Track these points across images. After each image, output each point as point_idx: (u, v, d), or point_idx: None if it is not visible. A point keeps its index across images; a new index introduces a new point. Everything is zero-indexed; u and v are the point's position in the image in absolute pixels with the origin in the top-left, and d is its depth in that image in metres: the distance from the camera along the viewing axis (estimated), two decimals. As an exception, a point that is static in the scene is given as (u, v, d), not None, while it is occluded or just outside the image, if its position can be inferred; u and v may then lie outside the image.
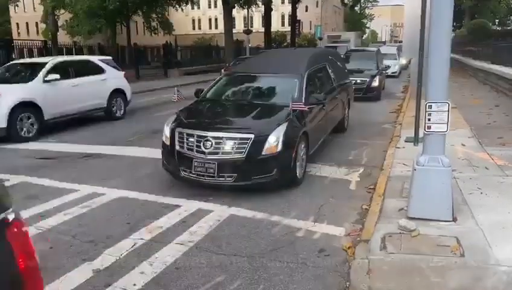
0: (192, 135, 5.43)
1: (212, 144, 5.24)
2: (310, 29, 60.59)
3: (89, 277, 3.59)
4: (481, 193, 5.15)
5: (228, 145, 5.24)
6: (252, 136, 5.23)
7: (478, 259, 3.63)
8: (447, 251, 3.79)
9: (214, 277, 3.56)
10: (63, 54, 22.97)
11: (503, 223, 4.29)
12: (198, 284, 3.45)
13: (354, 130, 9.74)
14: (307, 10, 64.83)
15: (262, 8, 36.53)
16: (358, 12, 79.51)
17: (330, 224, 4.66)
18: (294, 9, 39.60)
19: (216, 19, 63.49)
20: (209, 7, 68.07)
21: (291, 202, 5.28)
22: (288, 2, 43.45)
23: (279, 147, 5.30)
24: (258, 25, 54.73)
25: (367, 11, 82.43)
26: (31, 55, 21.92)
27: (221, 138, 5.28)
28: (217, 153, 5.22)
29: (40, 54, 20.23)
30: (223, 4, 29.06)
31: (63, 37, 36.40)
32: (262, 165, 5.23)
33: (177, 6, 36.93)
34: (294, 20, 40.20)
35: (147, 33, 43.44)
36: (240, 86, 7.37)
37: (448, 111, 4.27)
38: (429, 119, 4.32)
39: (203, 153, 5.27)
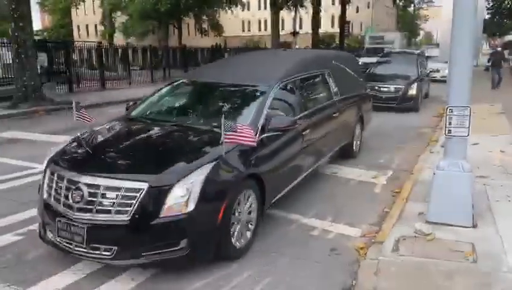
0: (62, 178, 3.64)
1: (83, 194, 3.41)
2: (361, 30, 59.57)
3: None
4: (509, 200, 5.00)
5: (107, 199, 3.38)
6: (145, 185, 3.35)
7: (490, 265, 3.58)
8: (459, 256, 3.76)
9: (224, 267, 3.75)
10: (118, 55, 24.20)
11: (526, 232, 4.17)
12: (208, 273, 3.65)
13: (391, 134, 9.63)
14: (357, 11, 63.80)
15: (310, 9, 36.50)
16: (412, 13, 77.20)
17: (347, 225, 4.71)
18: (343, 10, 39.18)
19: (265, 21, 63.86)
20: (259, 9, 68.81)
21: (312, 202, 5.37)
22: (339, 3, 42.95)
23: (192, 205, 3.37)
24: (307, 26, 54.68)
25: (421, 12, 79.88)
26: (89, 56, 23.28)
27: (97, 186, 3.42)
28: (89, 211, 3.39)
29: (98, 55, 21.39)
30: (270, 6, 29.33)
31: (119, 39, 38.25)
32: (160, 234, 3.38)
33: (226, 8, 37.73)
34: (343, 21, 39.75)
35: (197, 35, 44.72)
36: (182, 100, 5.52)
37: (469, 116, 4.20)
38: (450, 123, 4.28)
39: (71, 208, 3.46)
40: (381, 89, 12.97)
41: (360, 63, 26.44)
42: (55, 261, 3.80)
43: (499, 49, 21.52)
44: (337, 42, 45.60)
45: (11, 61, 14.25)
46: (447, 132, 4.31)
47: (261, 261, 3.89)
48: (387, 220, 4.70)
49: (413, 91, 13.04)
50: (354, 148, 7.45)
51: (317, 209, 5.15)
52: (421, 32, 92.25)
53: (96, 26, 56.08)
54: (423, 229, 4.20)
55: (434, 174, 4.47)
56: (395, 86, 13.01)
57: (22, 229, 4.52)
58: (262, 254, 4.02)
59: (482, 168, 6.16)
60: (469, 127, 4.22)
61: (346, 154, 7.20)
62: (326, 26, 59.63)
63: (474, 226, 4.30)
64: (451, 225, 4.30)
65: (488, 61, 19.06)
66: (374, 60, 18.55)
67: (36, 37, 32.08)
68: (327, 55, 7.64)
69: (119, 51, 24.07)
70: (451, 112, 4.24)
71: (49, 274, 3.63)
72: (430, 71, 16.74)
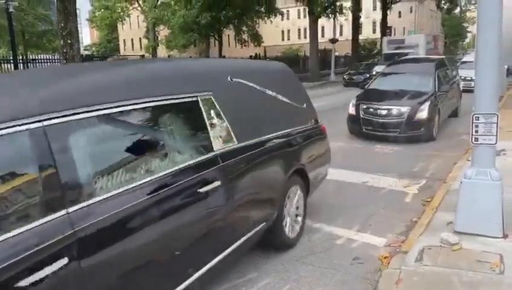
0: None
1: None
2: (403, 35, 58.28)
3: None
4: (547, 210, 4.78)
5: None
6: None
7: (517, 277, 3.46)
8: (485, 267, 3.66)
9: (247, 273, 3.85)
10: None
11: (561, 244, 3.99)
12: (232, 278, 3.77)
13: (426, 142, 9.39)
14: (400, 16, 62.55)
15: (350, 16, 36.27)
16: (459, 15, 74.64)
17: (373, 234, 4.69)
18: (384, 15, 38.62)
19: (305, 29, 63.75)
20: (298, 17, 68.97)
21: (338, 211, 5.36)
22: (380, 9, 42.41)
23: None
24: (348, 32, 54.23)
25: (468, 14, 77.06)
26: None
27: None
28: None
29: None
30: (308, 14, 29.47)
31: (162, 51, 39.61)
32: None
33: (266, 18, 38.13)
34: (384, 27, 39.15)
35: (237, 46, 45.44)
36: None
37: (497, 123, 4.10)
38: (476, 131, 4.18)
39: None
40: (378, 111, 9.52)
41: (374, 72, 23.62)
42: None
43: None
44: (379, 48, 44.91)
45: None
46: (473, 139, 4.22)
47: (281, 268, 3.96)
48: (414, 229, 4.65)
49: (423, 114, 9.29)
50: (286, 229, 4.25)
51: (343, 218, 5.15)
52: (469, 35, 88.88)
53: (140, 39, 58.24)
54: (449, 239, 4.12)
55: (461, 183, 4.38)
56: (397, 108, 9.42)
57: None
58: (285, 261, 4.09)
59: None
60: (497, 134, 4.12)
61: (269, 242, 4.16)
62: (368, 32, 58.89)
63: (505, 236, 4.16)
64: (480, 235, 4.18)
65: None
66: None
67: (85, 52, 33.84)
68: (214, 68, 4.00)
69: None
70: (478, 119, 4.15)
71: None
72: (464, 79, 14.09)
